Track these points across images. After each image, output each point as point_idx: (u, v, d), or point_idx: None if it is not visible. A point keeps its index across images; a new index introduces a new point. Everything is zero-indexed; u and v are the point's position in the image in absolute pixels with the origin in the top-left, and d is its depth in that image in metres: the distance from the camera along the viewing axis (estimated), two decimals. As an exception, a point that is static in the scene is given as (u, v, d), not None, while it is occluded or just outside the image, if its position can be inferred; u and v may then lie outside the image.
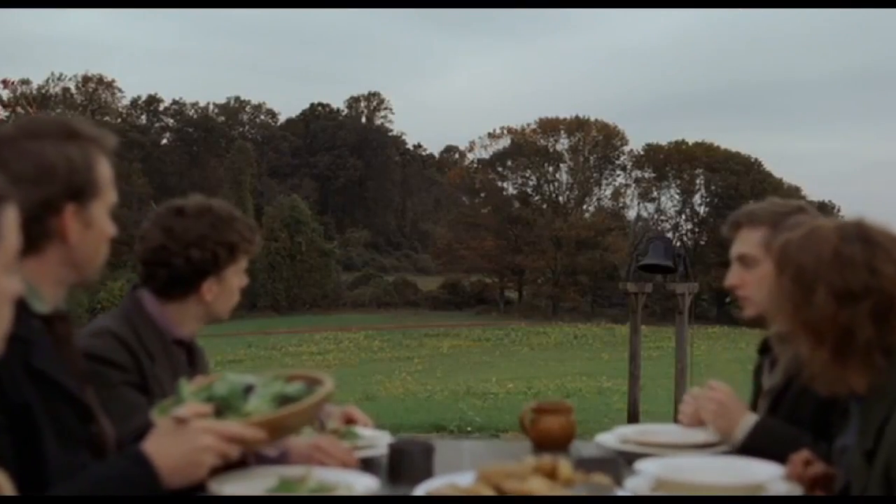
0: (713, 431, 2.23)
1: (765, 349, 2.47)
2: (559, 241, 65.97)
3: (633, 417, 13.21)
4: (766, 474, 1.87)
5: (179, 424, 1.55)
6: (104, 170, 1.80)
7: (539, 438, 2.29)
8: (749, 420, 2.22)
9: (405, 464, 1.90)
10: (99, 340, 2.12)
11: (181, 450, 1.53)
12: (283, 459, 1.92)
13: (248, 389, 1.66)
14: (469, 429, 13.06)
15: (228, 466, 1.65)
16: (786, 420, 2.25)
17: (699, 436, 2.25)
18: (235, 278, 2.31)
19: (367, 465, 2.09)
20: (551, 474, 1.70)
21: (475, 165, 73.83)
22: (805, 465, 1.95)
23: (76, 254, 1.75)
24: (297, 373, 1.76)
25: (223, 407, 1.61)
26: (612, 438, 2.28)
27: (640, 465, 1.93)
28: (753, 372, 2.53)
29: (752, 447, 2.16)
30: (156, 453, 1.55)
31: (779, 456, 2.02)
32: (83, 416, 1.67)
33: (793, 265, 1.88)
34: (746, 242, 2.45)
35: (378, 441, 2.23)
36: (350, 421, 2.40)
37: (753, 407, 2.43)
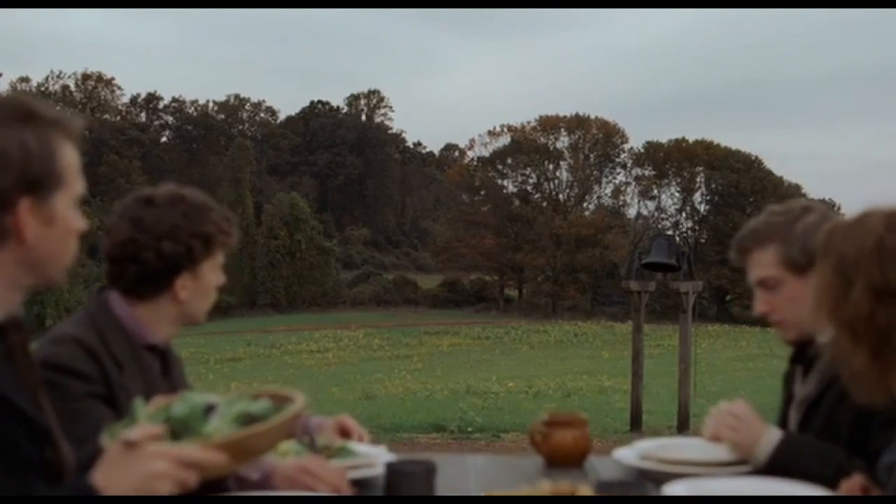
0: (730, 448, 2.05)
1: (797, 357, 2.27)
2: (559, 239, 65.88)
3: (635, 418, 13.06)
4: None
5: (129, 449, 1.36)
6: (68, 157, 1.57)
7: (551, 454, 2.11)
8: (773, 436, 2.04)
9: (405, 487, 1.71)
10: (60, 348, 1.90)
11: (131, 478, 1.34)
12: (265, 483, 1.76)
13: (210, 409, 1.46)
14: (470, 429, 12.88)
15: (208, 490, 1.46)
16: (820, 432, 2.07)
17: (724, 452, 2.06)
18: (212, 275, 2.09)
19: (362, 486, 1.90)
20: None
21: (475, 163, 73.75)
22: (863, 492, 1.77)
23: (34, 254, 1.52)
24: (266, 391, 1.55)
25: (181, 429, 1.41)
26: (631, 455, 2.10)
27: (670, 488, 1.76)
28: (784, 380, 2.34)
29: (778, 464, 1.98)
30: (104, 484, 1.35)
31: (808, 474, 1.88)
32: (37, 439, 1.46)
33: (834, 254, 1.71)
34: (761, 265, 2.28)
35: (374, 459, 2.00)
36: (344, 434, 2.17)
37: (784, 417, 2.25)
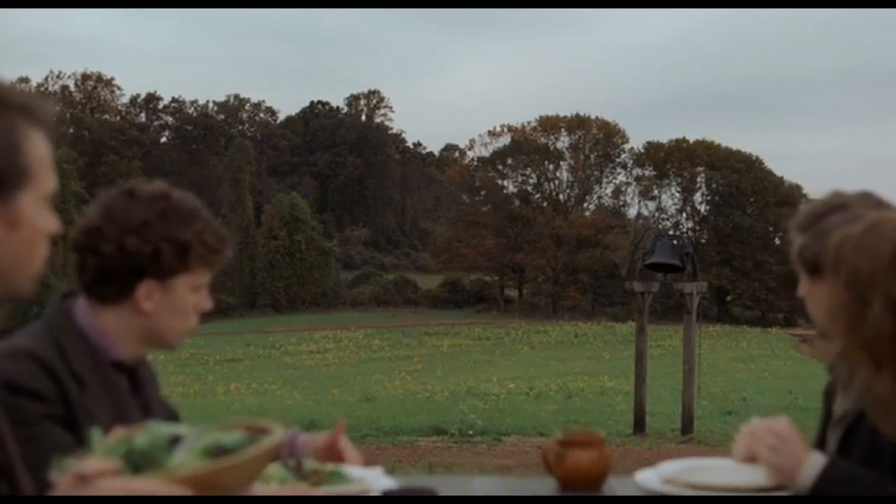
0: (768, 470, 1.82)
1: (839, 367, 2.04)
2: (559, 239, 65.77)
3: (639, 420, 12.89)
4: None
5: (80, 484, 1.18)
6: (36, 149, 1.35)
7: (566, 477, 1.92)
8: (816, 461, 1.81)
9: (403, 517, 1.53)
10: (13, 364, 1.66)
11: None
12: None
13: (176, 441, 1.26)
14: (471, 432, 12.70)
15: None
16: (861, 456, 1.85)
17: (758, 475, 1.84)
18: (188, 294, 1.79)
19: None
20: None
21: (475, 163, 73.67)
22: None
23: None
24: (241, 422, 1.35)
25: (143, 462, 1.21)
26: (655, 478, 1.91)
27: None
28: (824, 394, 2.11)
29: (822, 494, 1.77)
30: None
31: None
32: None
33: (846, 269, 1.52)
34: (792, 250, 2.10)
35: (370, 485, 1.78)
36: (335, 457, 1.92)
37: (822, 437, 2.03)
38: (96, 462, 1.22)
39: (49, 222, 1.38)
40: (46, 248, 1.39)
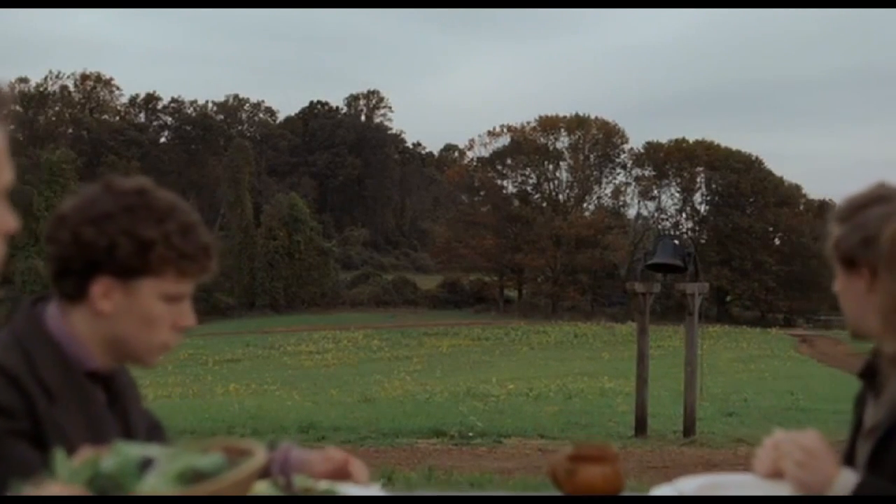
0: (795, 488, 1.68)
1: (870, 372, 1.89)
2: (559, 239, 65.67)
3: (640, 422, 12.78)
4: None
5: None
6: None
7: (577, 494, 1.81)
8: (847, 479, 1.67)
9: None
10: None
11: None
12: None
13: (147, 464, 1.13)
14: (471, 434, 12.59)
15: None
16: (894, 471, 1.72)
17: (785, 492, 1.71)
18: (156, 301, 1.60)
19: None
20: None
21: (474, 164, 73.59)
22: None
23: None
24: (220, 442, 1.20)
25: (110, 486, 1.10)
26: (673, 495, 1.79)
27: None
28: (854, 402, 1.96)
29: None
30: None
31: None
32: None
33: None
34: (827, 246, 1.95)
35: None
36: (341, 474, 1.74)
37: (851, 449, 1.89)
38: (56, 485, 1.13)
39: (7, 220, 1.24)
40: (3, 248, 1.26)
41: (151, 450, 1.19)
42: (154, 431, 1.78)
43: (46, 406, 1.50)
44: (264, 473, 1.48)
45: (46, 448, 1.33)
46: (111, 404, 1.65)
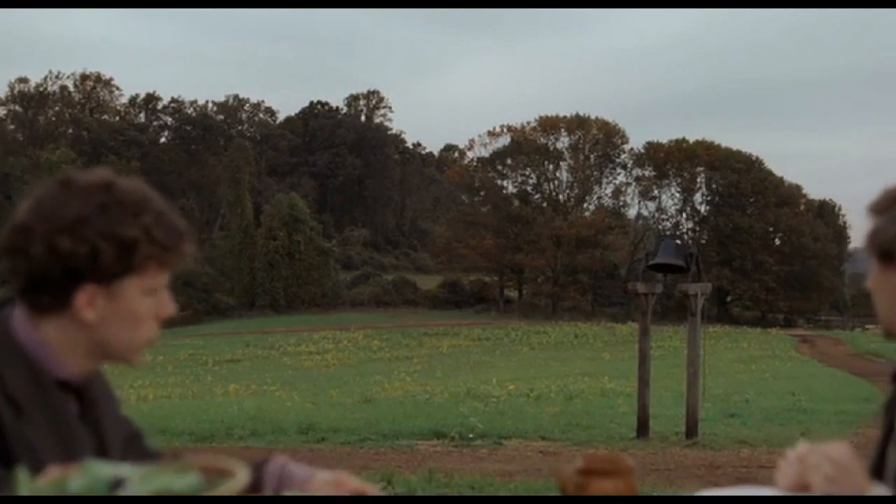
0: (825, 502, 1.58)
1: None
2: (559, 239, 65.60)
3: (642, 424, 12.71)
4: None
5: None
6: None
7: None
8: (881, 493, 1.57)
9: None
10: None
11: None
12: None
13: (118, 484, 1.07)
14: (471, 435, 12.51)
15: None
16: None
17: None
18: (141, 298, 1.50)
19: None
20: None
21: (475, 164, 73.55)
22: None
23: None
24: (198, 461, 1.10)
25: None
26: None
27: None
28: (885, 407, 1.86)
29: None
30: None
31: None
32: None
33: None
34: (864, 239, 1.85)
35: None
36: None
37: (881, 456, 1.79)
38: None
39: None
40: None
41: (123, 469, 1.13)
42: (133, 442, 1.66)
43: (13, 418, 1.36)
44: (254, 489, 1.39)
45: (12, 465, 1.22)
46: (84, 416, 1.52)
